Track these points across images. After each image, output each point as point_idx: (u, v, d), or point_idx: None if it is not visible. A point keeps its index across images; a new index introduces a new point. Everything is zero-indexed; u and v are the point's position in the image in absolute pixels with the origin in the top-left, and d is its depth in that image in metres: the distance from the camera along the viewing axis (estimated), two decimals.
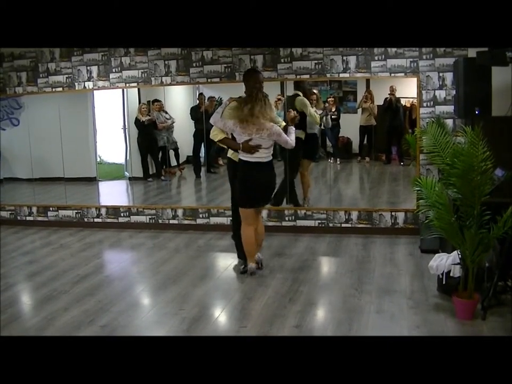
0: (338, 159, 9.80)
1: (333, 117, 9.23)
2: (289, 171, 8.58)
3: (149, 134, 10.00)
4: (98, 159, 10.19)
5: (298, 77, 8.27)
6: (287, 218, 8.61)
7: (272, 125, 6.15)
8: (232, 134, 6.33)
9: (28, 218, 9.89)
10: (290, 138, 6.30)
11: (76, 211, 9.63)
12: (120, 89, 9.41)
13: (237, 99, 6.38)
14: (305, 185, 8.86)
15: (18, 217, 9.94)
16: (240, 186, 6.40)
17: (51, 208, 9.78)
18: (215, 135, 6.45)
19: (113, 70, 9.03)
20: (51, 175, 10.21)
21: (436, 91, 7.81)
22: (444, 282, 5.61)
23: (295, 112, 6.65)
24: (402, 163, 9.53)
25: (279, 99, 9.40)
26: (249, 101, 6.15)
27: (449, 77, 7.68)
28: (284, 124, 6.51)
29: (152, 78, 8.87)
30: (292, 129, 6.40)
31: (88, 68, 9.14)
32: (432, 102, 7.84)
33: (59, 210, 9.74)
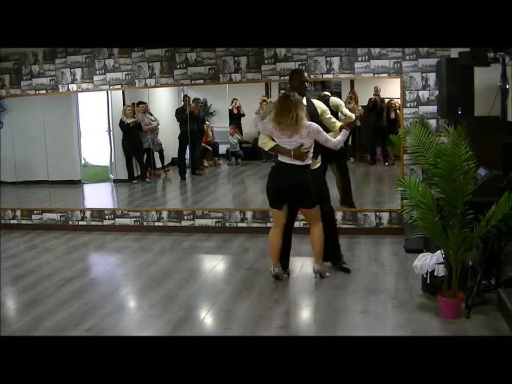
0: None
1: None
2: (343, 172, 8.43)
3: (133, 136, 9.98)
4: (83, 162, 10.15)
5: (282, 78, 8.28)
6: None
7: (309, 123, 5.95)
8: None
9: (12, 221, 9.84)
10: (339, 140, 6.11)
11: (61, 214, 9.59)
12: (104, 92, 9.38)
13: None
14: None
15: (2, 221, 9.89)
16: (268, 184, 6.29)
17: (35, 211, 9.74)
18: (264, 143, 6.21)
19: (97, 72, 9.02)
20: (35, 178, 10.19)
21: (419, 91, 7.85)
22: (428, 282, 5.64)
23: (361, 111, 6.40)
24: (387, 163, 9.57)
25: (264, 100, 9.42)
26: (281, 102, 5.99)
27: (432, 77, 7.72)
28: (338, 125, 6.32)
29: (136, 80, 8.86)
30: (344, 132, 6.19)
31: (72, 70, 9.11)
32: (415, 103, 7.88)
33: (43, 214, 9.70)
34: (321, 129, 6.01)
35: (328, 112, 6.43)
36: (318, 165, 6.45)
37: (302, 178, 6.05)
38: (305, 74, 6.44)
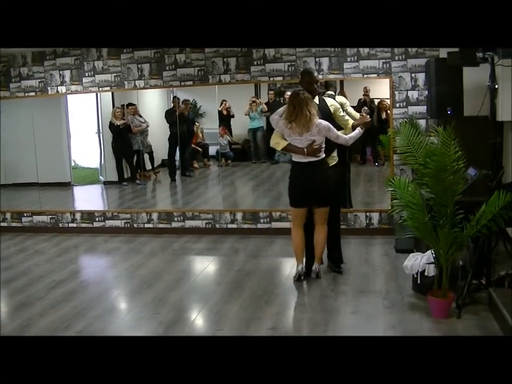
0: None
1: None
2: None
3: (123, 138, 9.95)
4: (72, 164, 10.13)
5: (271, 79, 8.29)
6: (262, 221, 8.61)
7: (320, 121, 5.99)
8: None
9: (2, 224, 9.79)
10: (351, 136, 6.16)
11: (51, 216, 9.56)
12: (94, 93, 9.36)
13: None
14: None
15: None
16: (289, 185, 6.34)
17: (25, 214, 9.71)
18: (276, 143, 6.25)
19: (86, 74, 9.00)
20: (25, 180, 10.16)
21: (408, 92, 7.87)
22: (418, 282, 5.65)
23: (366, 111, 6.36)
24: (376, 163, 9.58)
25: (254, 101, 9.42)
26: (292, 101, 6.03)
27: (421, 77, 7.74)
28: (351, 122, 6.38)
29: (126, 82, 8.85)
30: (359, 130, 6.23)
31: (61, 72, 9.09)
32: (405, 103, 7.90)
33: (33, 216, 9.67)
34: (331, 126, 6.07)
35: (341, 110, 6.46)
36: (335, 162, 6.48)
37: (320, 175, 6.13)
38: (315, 74, 6.43)
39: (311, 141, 6.00)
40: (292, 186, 6.29)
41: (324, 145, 6.10)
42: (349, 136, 6.17)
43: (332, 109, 6.37)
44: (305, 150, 6.01)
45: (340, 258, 6.78)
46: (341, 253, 6.79)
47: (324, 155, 6.15)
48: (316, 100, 6.30)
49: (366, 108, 6.20)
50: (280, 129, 6.14)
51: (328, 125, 6.03)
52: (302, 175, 6.18)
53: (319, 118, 6.05)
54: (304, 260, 6.47)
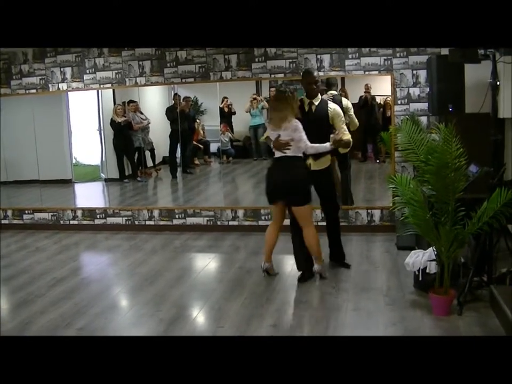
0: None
1: None
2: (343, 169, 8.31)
3: (124, 135, 9.95)
4: (73, 161, 10.13)
5: (273, 76, 8.28)
6: (263, 218, 8.61)
7: (293, 120, 6.06)
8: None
9: (3, 221, 9.80)
10: (313, 146, 6.10)
11: (52, 213, 9.57)
12: (95, 91, 9.36)
13: None
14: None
15: None
16: (265, 181, 6.40)
17: (26, 211, 9.71)
18: (265, 134, 6.47)
19: (87, 71, 8.99)
20: (26, 177, 10.15)
21: (410, 89, 7.86)
22: (420, 279, 5.64)
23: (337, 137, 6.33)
24: (378, 161, 9.57)
25: (255, 98, 9.42)
26: (273, 98, 6.40)
27: (422, 74, 7.74)
28: (346, 135, 6.34)
29: (127, 79, 8.84)
30: (326, 145, 6.14)
31: (62, 69, 9.09)
32: (406, 100, 7.89)
33: (34, 213, 9.67)
34: (300, 128, 6.04)
35: (343, 120, 6.43)
36: (323, 166, 6.47)
37: (292, 173, 6.11)
38: (315, 74, 6.43)
39: (278, 135, 6.09)
40: (267, 181, 6.35)
41: (293, 143, 6.07)
42: (311, 145, 6.10)
43: (330, 114, 6.34)
44: (272, 143, 6.17)
45: (342, 255, 6.80)
46: (342, 251, 6.81)
47: (297, 154, 6.12)
48: (317, 101, 6.34)
49: (332, 135, 6.16)
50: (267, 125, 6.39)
51: (296, 126, 6.05)
52: (275, 171, 6.25)
53: (313, 118, 6.24)
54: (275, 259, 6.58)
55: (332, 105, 6.41)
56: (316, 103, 6.35)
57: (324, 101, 6.43)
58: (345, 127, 6.44)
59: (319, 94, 6.46)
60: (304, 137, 6.06)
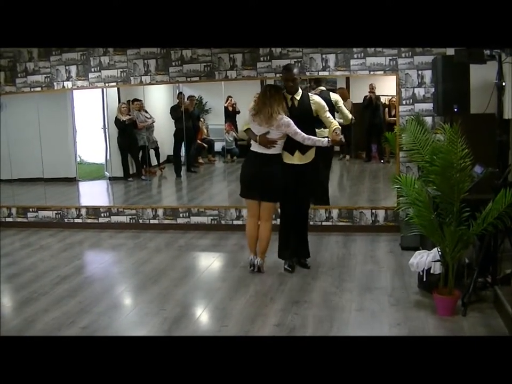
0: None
1: None
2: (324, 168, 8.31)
3: (129, 134, 9.96)
4: (78, 159, 10.14)
5: (278, 75, 8.27)
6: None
7: (281, 116, 6.15)
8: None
9: (8, 219, 9.81)
10: (310, 138, 6.21)
11: (56, 212, 9.57)
12: (100, 89, 9.36)
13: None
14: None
15: None
16: (240, 173, 6.58)
17: (31, 209, 9.72)
18: (244, 125, 6.59)
19: (92, 70, 8.99)
20: (30, 175, 10.14)
21: (415, 89, 7.86)
22: (424, 279, 5.64)
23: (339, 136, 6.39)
24: (382, 161, 9.57)
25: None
26: (260, 94, 6.34)
27: (428, 74, 7.73)
28: (334, 124, 6.38)
29: (132, 78, 8.84)
30: (324, 140, 6.25)
31: (67, 67, 9.09)
32: (411, 100, 7.88)
33: (39, 211, 9.68)
34: (292, 123, 6.16)
35: (326, 109, 6.47)
36: (308, 160, 6.49)
37: (268, 169, 6.28)
38: (293, 71, 6.41)
39: (266, 132, 6.18)
40: (242, 175, 6.54)
41: (278, 142, 6.23)
42: (309, 137, 6.21)
43: (313, 107, 6.42)
44: (257, 137, 6.24)
45: (306, 253, 6.84)
46: (307, 248, 6.84)
47: (278, 151, 6.29)
48: (298, 95, 6.40)
49: (338, 133, 6.21)
50: (248, 119, 6.42)
51: (288, 121, 6.17)
52: (252, 166, 6.41)
53: (297, 113, 6.30)
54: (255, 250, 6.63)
55: (314, 97, 6.50)
56: (298, 98, 6.41)
57: (306, 95, 6.49)
58: (331, 116, 6.52)
59: (300, 89, 6.50)
60: (298, 129, 6.17)
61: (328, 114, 6.47)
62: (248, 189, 6.44)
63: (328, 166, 8.45)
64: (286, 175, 6.36)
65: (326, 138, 6.25)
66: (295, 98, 6.41)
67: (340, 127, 6.40)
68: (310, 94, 6.59)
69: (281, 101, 6.22)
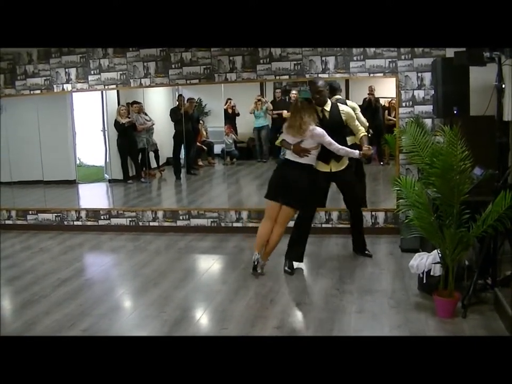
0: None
1: None
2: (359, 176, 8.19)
3: (128, 136, 9.95)
4: (77, 162, 10.14)
5: (277, 77, 8.29)
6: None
7: (313, 127, 6.30)
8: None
9: (7, 222, 9.81)
10: (344, 149, 6.44)
11: (56, 214, 9.57)
12: (99, 91, 9.37)
13: None
14: None
15: None
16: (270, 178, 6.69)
17: (30, 212, 9.72)
18: (278, 141, 6.68)
19: (92, 72, 9.01)
20: (30, 178, 10.16)
21: (414, 91, 7.86)
22: (424, 281, 5.64)
23: (371, 150, 6.67)
24: (382, 163, 9.56)
25: (259, 100, 9.41)
26: (291, 108, 6.54)
27: (427, 77, 7.73)
28: (362, 131, 6.73)
29: (131, 80, 8.85)
30: (355, 153, 6.49)
31: (67, 70, 9.10)
32: (411, 102, 7.89)
33: (38, 214, 9.68)
34: (325, 133, 6.31)
35: (355, 117, 6.75)
36: (343, 166, 6.75)
37: (296, 177, 6.37)
38: (319, 84, 6.59)
39: (300, 140, 6.31)
40: (271, 178, 6.63)
41: (312, 152, 6.37)
42: (342, 147, 6.43)
43: (344, 117, 6.64)
44: (292, 146, 6.33)
45: (363, 244, 7.15)
46: (364, 241, 7.14)
47: (310, 162, 6.43)
48: (328, 107, 6.59)
49: (369, 147, 6.47)
50: (283, 129, 6.53)
51: (321, 132, 6.32)
52: (282, 170, 6.54)
53: (329, 124, 6.45)
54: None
55: (343, 108, 6.70)
56: (328, 109, 6.60)
57: (335, 105, 6.67)
58: (359, 124, 6.77)
59: (328, 100, 6.69)
60: (332, 140, 6.33)
61: (357, 122, 6.75)
62: (274, 191, 6.53)
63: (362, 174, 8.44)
64: (321, 182, 6.66)
65: (357, 151, 6.48)
66: (325, 110, 6.61)
67: (367, 134, 6.75)
68: (338, 104, 6.75)
69: (312, 112, 6.37)
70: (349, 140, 6.84)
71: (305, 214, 6.74)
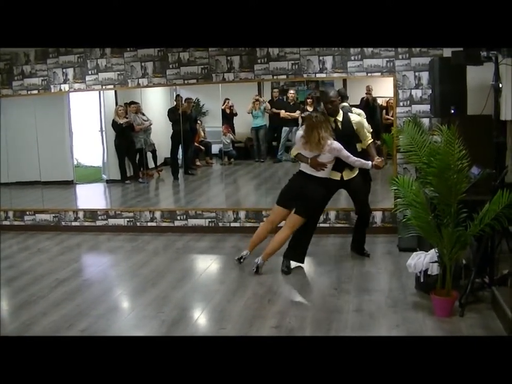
0: None
1: None
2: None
3: (126, 136, 9.95)
4: (75, 162, 10.14)
5: (275, 77, 8.29)
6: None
7: (331, 142, 6.39)
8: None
9: (5, 222, 9.80)
10: (359, 160, 6.59)
11: (53, 215, 9.57)
12: (97, 92, 9.36)
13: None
14: None
15: None
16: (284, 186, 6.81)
17: (28, 212, 9.71)
18: (293, 151, 6.75)
19: (89, 72, 9.00)
20: (27, 178, 10.15)
21: (412, 90, 7.87)
22: (422, 281, 5.64)
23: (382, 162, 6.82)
24: None
25: (257, 99, 9.41)
26: (306, 123, 6.53)
27: (425, 76, 7.74)
28: (369, 138, 6.89)
29: (129, 80, 8.85)
30: (369, 164, 6.68)
31: (64, 70, 9.09)
32: (408, 101, 7.90)
33: (36, 214, 9.67)
34: (342, 147, 6.43)
35: (365, 126, 6.86)
36: (355, 174, 6.83)
37: (312, 191, 6.48)
38: (330, 94, 6.66)
39: (317, 155, 6.39)
40: (286, 187, 6.74)
41: (329, 165, 6.48)
42: (358, 159, 6.58)
43: (355, 126, 6.73)
44: (309, 160, 6.41)
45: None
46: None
47: (325, 176, 6.52)
48: (340, 117, 6.68)
49: (382, 158, 6.65)
50: (298, 145, 6.58)
51: (339, 146, 6.43)
52: (299, 182, 6.59)
53: (341, 135, 6.55)
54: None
55: (354, 117, 6.78)
56: (340, 119, 6.67)
57: (346, 115, 6.74)
58: (369, 134, 6.90)
59: (340, 110, 6.74)
60: (348, 153, 6.47)
61: (365, 130, 6.84)
62: (287, 198, 6.67)
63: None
64: (332, 190, 6.84)
65: (370, 162, 6.64)
66: (338, 120, 6.68)
67: (373, 140, 6.93)
68: (349, 113, 6.80)
69: (328, 126, 6.46)
70: (357, 146, 6.89)
71: (312, 218, 6.74)
